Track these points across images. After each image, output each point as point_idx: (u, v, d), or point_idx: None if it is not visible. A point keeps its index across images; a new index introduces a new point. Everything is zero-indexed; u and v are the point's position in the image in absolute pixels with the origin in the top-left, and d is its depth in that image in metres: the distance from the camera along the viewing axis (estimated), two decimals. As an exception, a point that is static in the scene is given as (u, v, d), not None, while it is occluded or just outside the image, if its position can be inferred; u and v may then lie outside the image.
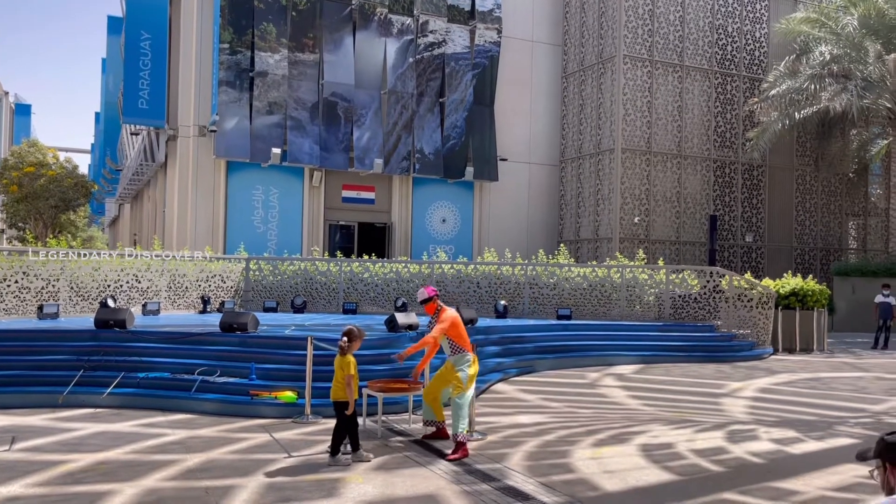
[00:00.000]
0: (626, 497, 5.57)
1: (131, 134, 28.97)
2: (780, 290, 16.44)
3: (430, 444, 7.13)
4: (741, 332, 15.75)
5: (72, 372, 9.27)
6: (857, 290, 21.76)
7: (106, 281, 14.25)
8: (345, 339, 6.64)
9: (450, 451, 6.69)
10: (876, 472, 2.56)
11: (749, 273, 19.22)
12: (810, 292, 16.67)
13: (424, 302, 7.34)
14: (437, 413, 7.36)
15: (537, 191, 26.02)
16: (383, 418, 7.86)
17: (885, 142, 26.59)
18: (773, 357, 15.39)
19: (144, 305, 14.15)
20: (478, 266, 17.25)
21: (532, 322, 14.91)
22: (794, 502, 5.46)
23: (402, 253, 23.63)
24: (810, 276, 18.56)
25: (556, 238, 25.80)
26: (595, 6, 24.67)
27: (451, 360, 7.11)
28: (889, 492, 2.46)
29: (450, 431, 7.00)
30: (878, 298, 18.03)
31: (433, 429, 7.39)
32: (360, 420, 7.15)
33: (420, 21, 23.76)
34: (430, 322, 7.46)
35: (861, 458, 2.67)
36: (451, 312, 7.20)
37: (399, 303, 15.67)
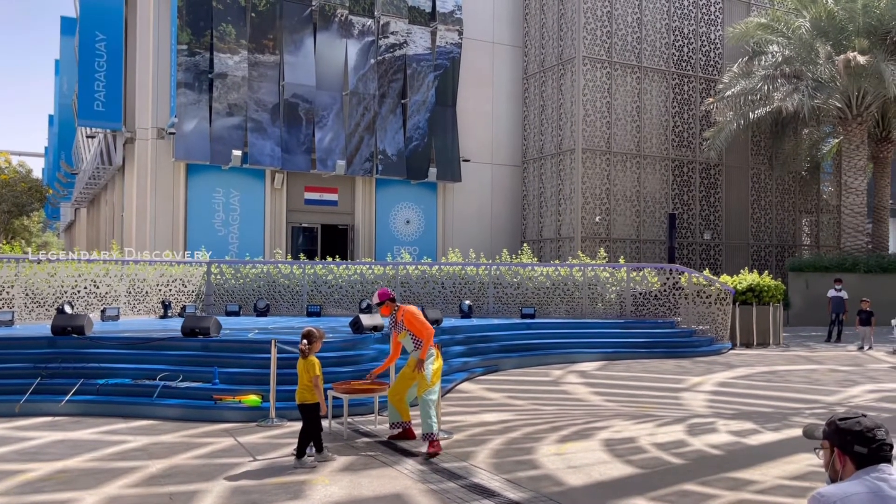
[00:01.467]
0: (589, 491, 5.66)
1: (87, 137, 28.39)
2: (738, 287, 16.81)
3: (397, 445, 7.15)
4: (700, 327, 16.08)
5: (29, 380, 9.07)
6: (811, 284, 22.36)
7: (63, 287, 13.95)
8: (304, 341, 6.64)
9: (422, 449, 6.74)
10: (821, 452, 2.67)
11: (707, 270, 19.60)
12: (766, 288, 17.08)
13: (380, 304, 7.36)
14: (404, 414, 7.33)
15: (500, 191, 26.19)
16: (349, 420, 7.86)
17: (836, 141, 27.42)
18: (731, 352, 15.73)
19: (103, 311, 13.88)
20: (442, 267, 17.30)
21: (497, 321, 15.01)
22: (752, 491, 5.62)
23: (366, 255, 23.57)
24: (766, 272, 19.02)
25: (519, 238, 25.99)
26: (554, 8, 24.93)
27: (414, 357, 7.12)
28: (834, 474, 2.57)
29: (417, 431, 7.03)
30: (831, 293, 18.53)
31: (399, 430, 7.36)
32: (325, 422, 7.14)
33: (381, 22, 23.74)
34: (391, 323, 7.41)
35: (808, 435, 2.76)
36: (413, 308, 7.23)
37: (363, 304, 15.62)
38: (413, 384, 7.16)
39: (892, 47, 23.01)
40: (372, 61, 23.56)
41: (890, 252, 25.20)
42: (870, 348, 16.46)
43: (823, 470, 2.66)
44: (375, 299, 7.41)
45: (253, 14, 21.83)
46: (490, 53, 26.04)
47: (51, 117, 52.15)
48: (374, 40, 23.64)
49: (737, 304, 16.67)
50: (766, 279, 17.39)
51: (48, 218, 56.62)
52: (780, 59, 23.63)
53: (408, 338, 7.14)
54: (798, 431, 7.72)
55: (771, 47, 24.25)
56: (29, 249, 14.93)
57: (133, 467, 6.35)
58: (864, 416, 2.58)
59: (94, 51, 21.82)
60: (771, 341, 17.10)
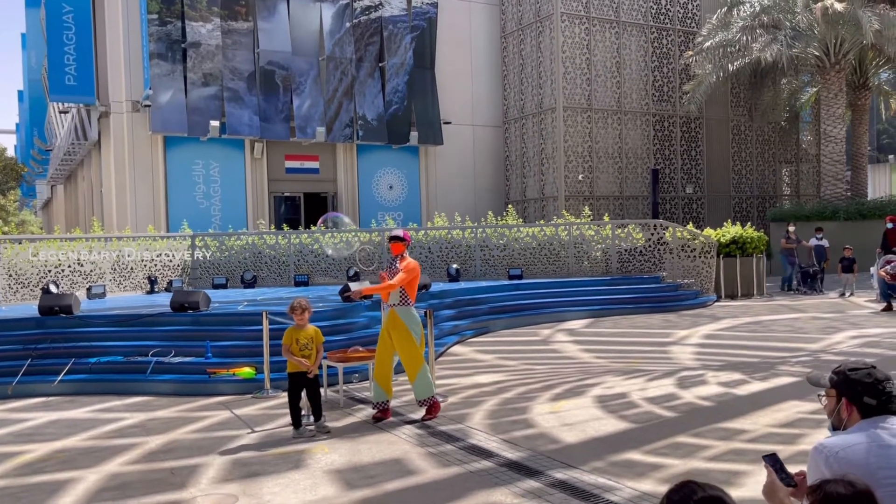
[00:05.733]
0: (585, 447, 5.77)
1: (60, 112, 27.81)
2: (721, 239, 16.97)
3: (394, 410, 7.20)
4: (686, 281, 16.25)
5: (19, 361, 9.04)
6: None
7: (46, 266, 13.83)
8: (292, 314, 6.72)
9: (423, 414, 6.79)
10: (825, 399, 2.73)
11: (691, 224, 19.71)
12: (749, 239, 17.26)
13: (395, 239, 6.95)
14: (388, 391, 6.90)
15: (482, 153, 26.07)
16: (345, 388, 7.92)
17: (814, 89, 27.44)
18: (716, 304, 15.95)
19: (89, 289, 13.79)
20: (428, 231, 17.30)
21: (485, 284, 15.08)
22: (743, 440, 5.75)
23: (351, 221, 23.44)
24: (748, 223, 19.19)
25: (503, 199, 25.98)
26: (531, -36, 24.55)
27: (398, 312, 6.76)
28: (838, 422, 2.64)
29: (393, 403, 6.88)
30: (812, 241, 18.76)
31: (378, 410, 6.88)
32: (322, 391, 7.19)
33: (355, -16, 23.28)
34: (388, 264, 7.04)
35: (814, 382, 2.82)
36: (415, 263, 6.90)
37: (351, 272, 15.63)
38: (393, 349, 6.89)
39: (869, -7, 22.92)
40: (347, 24, 23.17)
41: (869, 199, 25.46)
42: (851, 294, 16.73)
43: (812, 416, 2.73)
44: (399, 232, 7.03)
45: (223, -20, 21.31)
46: (467, 12, 25.67)
47: (20, 93, 50.94)
48: (348, 3, 23.20)
49: (721, 256, 16.85)
50: (750, 231, 17.56)
51: (24, 196, 55.73)
52: (758, 8, 23.49)
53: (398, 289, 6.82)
54: (786, 380, 7.88)
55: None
56: (7, 229, 14.74)
57: (132, 444, 6.38)
58: (874, 367, 2.64)
59: (61, 23, 21.24)
60: (755, 292, 17.34)
